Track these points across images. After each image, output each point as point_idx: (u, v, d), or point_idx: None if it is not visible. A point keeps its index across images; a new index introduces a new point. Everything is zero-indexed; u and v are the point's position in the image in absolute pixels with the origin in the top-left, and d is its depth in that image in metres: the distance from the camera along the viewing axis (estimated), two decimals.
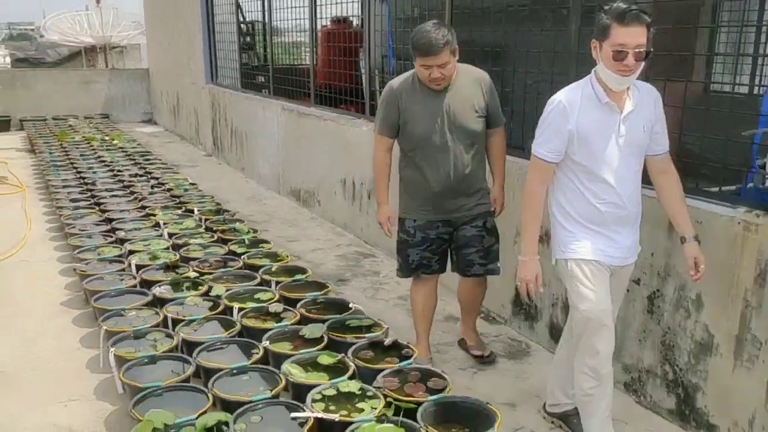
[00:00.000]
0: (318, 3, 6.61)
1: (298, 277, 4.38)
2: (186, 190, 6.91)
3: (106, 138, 10.37)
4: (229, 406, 2.84)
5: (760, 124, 2.79)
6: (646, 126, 2.47)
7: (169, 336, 3.51)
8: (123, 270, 4.50)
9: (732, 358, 2.81)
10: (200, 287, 4.16)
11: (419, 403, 2.82)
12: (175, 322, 3.67)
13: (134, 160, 8.65)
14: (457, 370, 3.56)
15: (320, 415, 2.75)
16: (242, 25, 8.90)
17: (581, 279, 2.55)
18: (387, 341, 3.43)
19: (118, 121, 13.46)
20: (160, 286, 4.13)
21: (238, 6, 8.69)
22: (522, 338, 3.97)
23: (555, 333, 3.74)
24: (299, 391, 2.98)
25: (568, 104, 2.44)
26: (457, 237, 3.31)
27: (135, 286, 4.23)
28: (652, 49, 2.33)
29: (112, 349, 3.30)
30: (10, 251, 5.45)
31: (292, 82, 7.30)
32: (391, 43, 5.53)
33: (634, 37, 2.26)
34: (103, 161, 8.50)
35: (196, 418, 2.73)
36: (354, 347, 3.34)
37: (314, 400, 2.86)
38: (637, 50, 2.28)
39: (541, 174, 2.57)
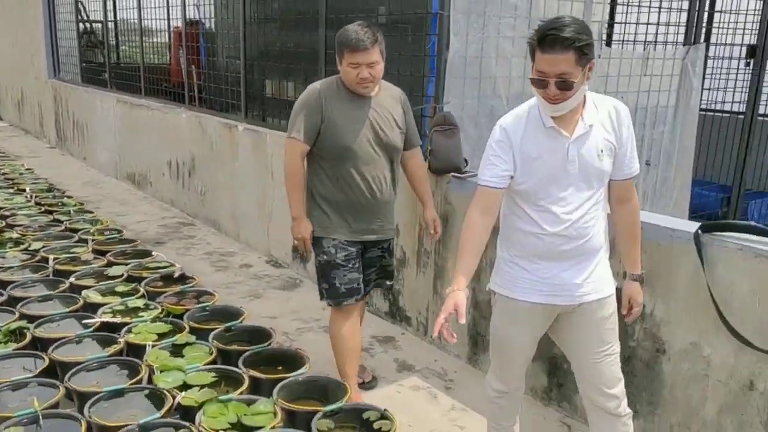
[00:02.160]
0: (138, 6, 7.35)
1: (113, 235, 5.15)
2: (21, 174, 7.37)
3: None
4: (33, 319, 3.60)
5: (426, 101, 3.91)
6: (605, 149, 2.14)
7: None
8: None
9: (415, 267, 3.96)
10: (22, 245, 4.82)
11: (187, 310, 3.74)
12: None
13: None
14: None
15: (106, 319, 3.59)
16: (84, 24, 9.41)
17: (502, 315, 2.38)
18: (176, 274, 4.30)
19: None
20: None
21: (77, 6, 9.17)
22: (297, 276, 5.00)
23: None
24: (95, 309, 3.79)
25: (511, 129, 2.18)
26: (363, 258, 3.10)
27: None
28: (586, 76, 2.04)
29: None
30: None
31: (129, 77, 7.96)
32: (203, 42, 6.42)
33: (553, 65, 1.96)
34: None
35: (2, 327, 3.47)
36: (147, 280, 4.19)
37: (104, 312, 3.69)
38: (558, 79, 1.98)
39: (482, 201, 2.23)
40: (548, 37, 1.97)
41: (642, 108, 4.61)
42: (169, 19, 7.05)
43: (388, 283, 3.29)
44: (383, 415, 2.76)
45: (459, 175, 3.58)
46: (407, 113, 3.08)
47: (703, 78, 5.63)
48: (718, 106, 6.21)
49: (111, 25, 8.83)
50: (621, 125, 2.17)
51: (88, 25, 9.51)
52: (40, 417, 2.68)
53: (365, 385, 3.36)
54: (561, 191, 2.17)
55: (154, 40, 7.85)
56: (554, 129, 2.14)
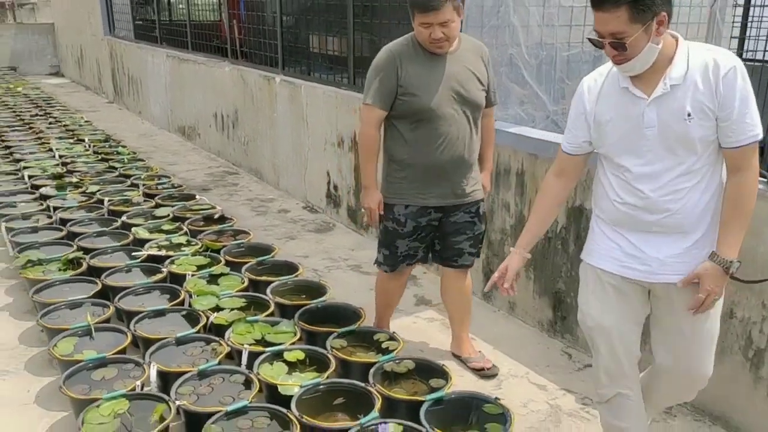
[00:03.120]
0: None
1: (163, 181, 5.55)
2: (80, 125, 7.88)
3: (10, 87, 11.04)
4: (89, 251, 4.01)
5: None
6: (696, 113, 1.87)
7: (49, 217, 4.63)
8: (18, 179, 5.54)
9: None
10: (80, 188, 5.27)
11: (224, 245, 4.09)
12: (56, 208, 4.78)
13: (37, 105, 9.46)
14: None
15: (152, 252, 3.97)
16: None
17: (583, 285, 2.19)
18: (216, 215, 4.65)
19: (26, 73, 13.97)
20: (46, 187, 5.22)
21: None
22: (330, 220, 5.29)
23: (350, 214, 5.07)
24: (142, 244, 4.17)
25: (588, 88, 2.07)
26: (446, 223, 2.92)
27: (26, 189, 5.29)
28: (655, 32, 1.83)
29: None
30: None
31: (178, 33, 8.32)
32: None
33: (604, 24, 1.84)
34: (6, 105, 9.28)
35: (62, 257, 3.89)
36: (190, 219, 4.56)
37: (150, 246, 4.07)
38: (611, 40, 1.84)
39: (559, 164, 2.19)
40: None
41: None
42: None
43: (475, 257, 3.00)
44: (391, 337, 3.05)
45: None
46: (489, 69, 2.87)
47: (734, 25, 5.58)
48: (761, 55, 6.08)
49: None
50: (720, 83, 1.84)
51: None
52: (93, 329, 3.07)
53: (485, 372, 3.07)
54: (637, 158, 1.96)
55: None
56: (627, 90, 1.95)
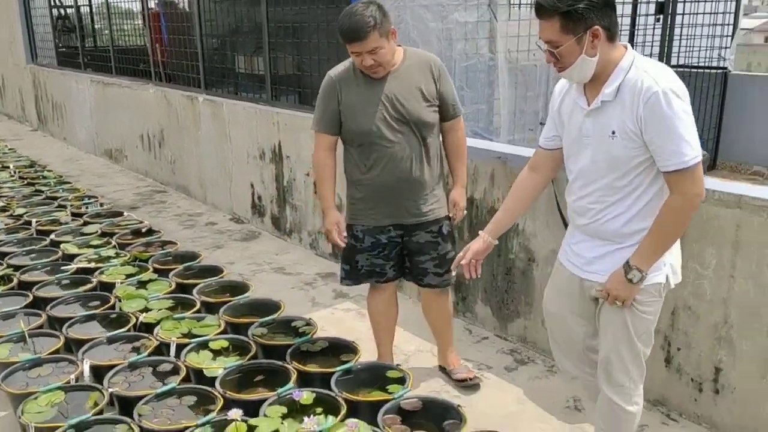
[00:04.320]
0: None
1: (89, 201, 5.71)
2: (5, 153, 7.90)
3: None
4: (18, 268, 4.17)
5: None
6: (619, 132, 1.92)
7: None
8: None
9: None
10: (6, 211, 5.38)
11: (152, 255, 4.32)
12: None
13: None
14: None
15: (82, 265, 4.17)
16: (58, 10, 9.90)
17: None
18: (144, 229, 4.87)
19: None
20: None
21: None
22: (256, 229, 5.58)
23: (275, 222, 5.38)
24: (71, 258, 4.35)
25: (558, 90, 2.17)
26: (409, 242, 2.91)
27: None
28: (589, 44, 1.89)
29: None
30: None
31: (101, 58, 8.46)
32: (164, 22, 6.93)
33: (542, 31, 1.93)
34: None
35: None
36: (118, 234, 4.77)
37: (80, 260, 4.27)
38: (548, 48, 1.93)
39: (533, 158, 2.31)
40: (535, 1, 1.92)
41: None
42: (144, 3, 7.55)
43: (453, 275, 2.76)
44: (308, 323, 3.37)
45: None
46: (440, 82, 2.79)
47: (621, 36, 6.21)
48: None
49: (83, 9, 9.33)
50: (641, 106, 1.85)
51: (62, 10, 9.95)
52: (27, 335, 3.27)
53: (468, 383, 3.10)
54: (575, 164, 2.07)
55: (129, 23, 8.35)
56: (573, 93, 2.05)
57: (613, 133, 1.92)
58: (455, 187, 2.96)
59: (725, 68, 6.58)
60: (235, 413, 2.39)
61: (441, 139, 2.92)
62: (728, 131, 6.62)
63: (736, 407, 2.63)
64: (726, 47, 6.58)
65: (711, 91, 6.39)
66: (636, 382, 2.15)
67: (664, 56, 5.78)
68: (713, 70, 6.51)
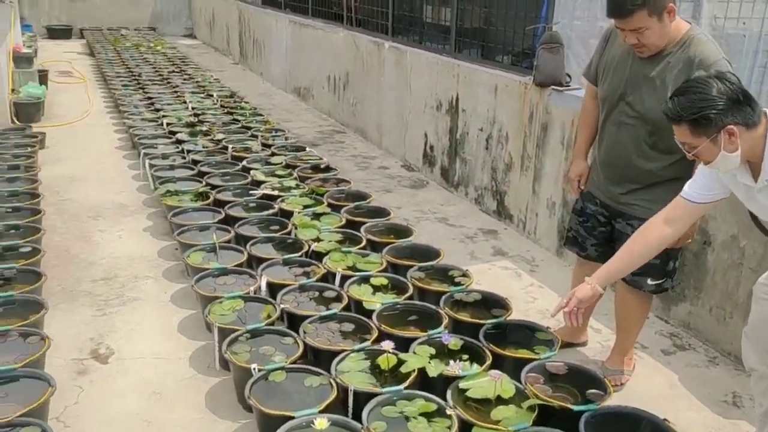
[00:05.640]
0: None
1: (278, 134, 6.20)
2: (210, 83, 8.74)
3: (151, 45, 12.22)
4: (215, 187, 4.69)
5: (540, 21, 4.36)
6: None
7: (183, 158, 5.39)
8: (159, 125, 6.38)
9: (519, 171, 4.53)
10: (208, 136, 6.02)
11: (328, 190, 4.65)
12: (189, 151, 5.53)
13: (173, 62, 10.48)
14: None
15: (267, 191, 4.60)
16: None
17: None
18: (323, 165, 5.22)
19: (163, 33, 15.25)
20: (181, 133, 6.02)
21: None
22: (425, 178, 5.74)
23: (443, 173, 5.50)
24: (258, 184, 4.80)
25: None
26: (613, 228, 2.77)
27: (165, 134, 6.11)
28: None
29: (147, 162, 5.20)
30: (80, 118, 7.40)
31: None
32: None
33: (675, 133, 2.01)
34: (148, 62, 10.36)
35: (193, 190, 4.59)
36: (300, 167, 5.16)
37: (265, 187, 4.70)
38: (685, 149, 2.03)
39: (672, 209, 2.25)
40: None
41: (766, 34, 4.63)
42: None
43: (650, 282, 2.65)
44: (464, 274, 3.47)
45: (559, 88, 4.05)
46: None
47: None
48: None
49: None
50: None
51: None
52: (217, 247, 3.71)
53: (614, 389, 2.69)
54: None
55: None
56: (736, 173, 2.07)
57: None
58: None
59: None
60: (388, 344, 2.57)
61: None
62: None
63: None
64: None
65: None
66: None
67: None
68: None
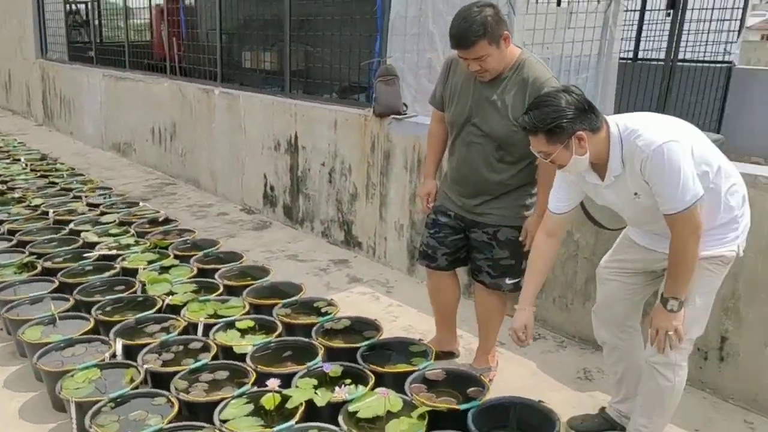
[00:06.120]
0: None
1: (103, 192, 5.82)
2: (14, 146, 7.98)
3: None
4: (41, 255, 4.27)
5: (374, 56, 4.60)
6: (640, 191, 2.23)
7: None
8: None
9: (365, 199, 4.67)
10: (23, 202, 5.48)
11: (171, 242, 4.43)
12: (2, 221, 4.98)
13: None
14: None
15: (104, 252, 4.28)
16: (70, 5, 10.03)
17: None
18: (161, 218, 4.98)
19: None
20: None
21: None
22: (267, 219, 5.70)
23: (286, 212, 5.50)
24: (92, 246, 4.46)
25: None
26: (468, 238, 2.96)
27: None
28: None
29: None
30: None
31: (114, 52, 8.58)
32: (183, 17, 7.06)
33: (532, 144, 2.26)
34: None
35: (15, 262, 4.15)
36: (136, 223, 4.88)
37: (101, 247, 4.38)
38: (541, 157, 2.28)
39: (548, 224, 2.50)
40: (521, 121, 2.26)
41: (567, 57, 5.27)
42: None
43: (508, 281, 2.89)
44: (330, 303, 3.49)
45: (398, 116, 4.28)
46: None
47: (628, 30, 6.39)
48: (645, 54, 6.89)
49: (94, 4, 9.50)
50: (643, 170, 2.17)
51: (74, 6, 10.08)
52: (57, 317, 3.38)
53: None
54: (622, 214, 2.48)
55: (136, 19, 8.50)
56: (585, 174, 2.33)
57: (636, 194, 2.21)
58: (533, 216, 2.81)
59: (730, 62, 6.71)
60: (274, 383, 2.51)
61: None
62: (729, 123, 6.75)
63: (739, 374, 2.77)
64: (732, 42, 6.70)
65: (715, 84, 6.53)
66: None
67: (672, 51, 5.89)
68: (718, 65, 6.65)
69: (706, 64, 6.55)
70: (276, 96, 5.53)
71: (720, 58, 6.79)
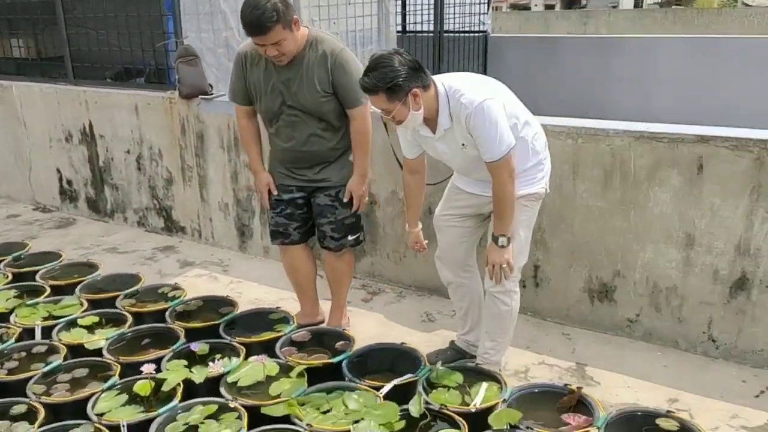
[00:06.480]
0: None
1: None
2: None
3: None
4: None
5: (169, 37, 4.49)
6: (466, 143, 2.54)
7: None
8: None
9: (182, 183, 4.59)
10: None
11: None
12: None
13: None
14: None
15: None
16: None
17: None
18: None
19: None
20: None
21: None
22: (69, 215, 5.31)
23: (91, 205, 5.17)
24: None
25: None
26: (313, 205, 3.09)
27: None
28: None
29: None
30: None
31: None
32: None
33: (373, 103, 2.51)
34: None
35: None
36: None
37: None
38: (382, 114, 2.53)
39: (408, 165, 2.86)
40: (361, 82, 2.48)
41: (351, 31, 5.60)
42: None
43: (350, 238, 3.10)
44: (175, 287, 3.47)
45: (206, 96, 4.26)
46: (336, 73, 2.81)
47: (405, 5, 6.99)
48: (417, 27, 7.53)
49: None
50: (467, 124, 2.47)
51: None
52: None
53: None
54: (449, 164, 2.81)
55: None
56: (420, 128, 2.64)
57: (463, 145, 2.51)
58: (353, 177, 3.00)
59: (485, 31, 7.62)
60: (149, 368, 2.50)
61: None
62: None
63: (552, 295, 3.37)
64: (484, 13, 7.61)
65: (476, 51, 7.39)
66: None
67: (438, 23, 6.54)
68: (476, 34, 7.51)
69: (466, 34, 7.39)
70: (58, 84, 5.11)
71: (477, 29, 7.68)
